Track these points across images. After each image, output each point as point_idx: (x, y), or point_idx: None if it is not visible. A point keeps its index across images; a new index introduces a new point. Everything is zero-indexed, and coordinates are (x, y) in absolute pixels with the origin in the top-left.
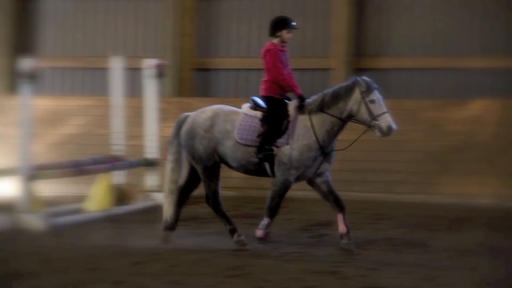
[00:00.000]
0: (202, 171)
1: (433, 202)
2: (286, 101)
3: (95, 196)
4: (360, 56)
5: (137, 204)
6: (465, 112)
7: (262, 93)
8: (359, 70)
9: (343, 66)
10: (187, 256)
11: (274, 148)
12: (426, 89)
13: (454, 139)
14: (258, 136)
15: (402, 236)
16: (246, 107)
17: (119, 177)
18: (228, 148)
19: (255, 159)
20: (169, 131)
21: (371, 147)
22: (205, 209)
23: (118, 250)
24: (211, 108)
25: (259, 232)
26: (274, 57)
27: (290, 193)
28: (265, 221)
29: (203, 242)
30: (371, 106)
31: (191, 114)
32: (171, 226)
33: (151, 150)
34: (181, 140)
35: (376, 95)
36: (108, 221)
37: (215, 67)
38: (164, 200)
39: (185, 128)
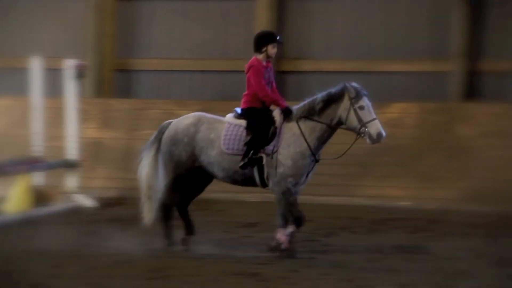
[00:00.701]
0: (172, 180)
1: (353, 204)
2: (269, 108)
3: (14, 197)
4: (281, 59)
5: (57, 206)
6: (385, 115)
7: (242, 105)
8: (280, 73)
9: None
10: (108, 258)
11: (262, 155)
12: None
13: None
14: (245, 144)
15: (322, 238)
16: (229, 116)
17: (38, 178)
18: (213, 158)
19: (240, 167)
20: (90, 132)
21: None
22: (128, 211)
23: (36, 252)
24: (193, 114)
25: (283, 238)
26: (257, 74)
27: (211, 195)
28: (291, 228)
29: (125, 244)
30: (360, 112)
31: (174, 120)
32: (191, 232)
33: (72, 151)
34: (163, 146)
35: (365, 101)
36: (27, 223)
37: (136, 68)
38: (144, 204)
39: (167, 134)
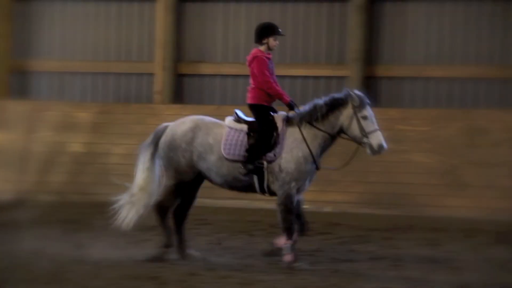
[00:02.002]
0: (174, 185)
1: (253, 208)
2: (272, 113)
3: None
4: (181, 62)
5: None
6: None
7: (249, 101)
8: (180, 76)
9: (164, 72)
10: (3, 262)
11: (264, 162)
12: (242, 96)
13: None
14: (247, 150)
15: (223, 241)
16: (229, 120)
17: None
18: (212, 163)
19: (242, 175)
20: None
21: None
22: (24, 214)
23: None
24: (191, 118)
25: (287, 257)
26: (261, 64)
27: (108, 198)
28: (287, 244)
29: (24, 247)
30: (363, 122)
31: (170, 124)
32: (171, 244)
33: None
34: (160, 151)
35: (368, 111)
36: None
37: (34, 69)
38: (124, 205)
39: (164, 139)
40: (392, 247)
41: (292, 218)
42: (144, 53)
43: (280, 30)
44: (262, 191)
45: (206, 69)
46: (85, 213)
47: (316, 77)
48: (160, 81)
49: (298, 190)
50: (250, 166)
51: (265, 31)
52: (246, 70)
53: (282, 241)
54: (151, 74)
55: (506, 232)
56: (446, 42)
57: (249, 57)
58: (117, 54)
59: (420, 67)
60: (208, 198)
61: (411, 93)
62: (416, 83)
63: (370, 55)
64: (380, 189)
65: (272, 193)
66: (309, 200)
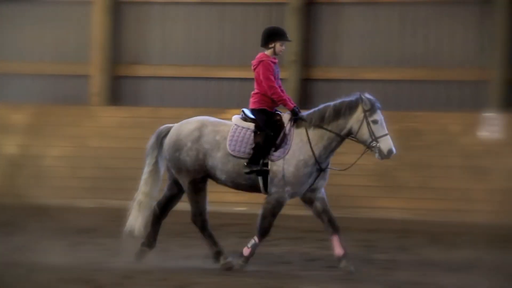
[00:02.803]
0: (189, 185)
1: (188, 210)
2: (279, 112)
3: None
4: (118, 64)
5: None
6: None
7: (252, 106)
8: (117, 78)
9: (101, 73)
10: None
11: (269, 162)
12: (181, 98)
13: None
14: (253, 148)
15: (160, 244)
16: (236, 118)
17: None
18: (218, 160)
19: (245, 173)
20: None
21: (130, 154)
22: None
23: None
24: (196, 119)
25: (246, 251)
26: (267, 69)
27: (44, 201)
28: (255, 240)
29: None
30: (373, 126)
31: (174, 125)
32: (150, 244)
33: None
34: (164, 153)
35: (379, 116)
36: None
37: None
38: (132, 211)
39: (168, 140)
40: (327, 248)
41: (271, 220)
42: (81, 55)
43: (288, 36)
44: (266, 191)
45: (143, 71)
46: (20, 215)
47: (253, 79)
48: (97, 83)
49: (292, 195)
50: (255, 168)
51: (273, 35)
52: (183, 72)
53: (247, 251)
54: (87, 76)
55: (440, 233)
56: (381, 44)
57: (254, 62)
58: (54, 55)
59: (356, 69)
60: None
61: (347, 95)
62: (352, 85)
63: (307, 57)
64: None
65: None
66: (248, 202)
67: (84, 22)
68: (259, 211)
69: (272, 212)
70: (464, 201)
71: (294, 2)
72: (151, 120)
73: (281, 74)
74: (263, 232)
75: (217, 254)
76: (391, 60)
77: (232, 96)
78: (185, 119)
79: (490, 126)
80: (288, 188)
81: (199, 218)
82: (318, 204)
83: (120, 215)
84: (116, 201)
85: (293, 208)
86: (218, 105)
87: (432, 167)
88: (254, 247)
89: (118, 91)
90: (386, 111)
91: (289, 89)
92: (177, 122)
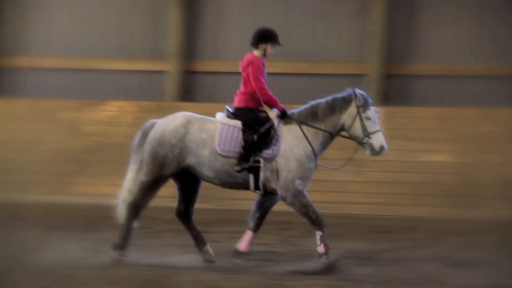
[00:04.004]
0: (150, 180)
1: (69, 203)
2: (263, 109)
3: None
4: None
5: None
6: (101, 113)
7: (237, 104)
8: None
9: None
10: None
11: (260, 159)
12: (63, 89)
13: (90, 140)
14: (243, 146)
15: (37, 238)
16: (221, 116)
17: None
18: (204, 158)
19: (236, 171)
20: None
21: (10, 147)
22: None
23: None
24: (182, 114)
25: (320, 248)
26: (258, 70)
27: None
28: (319, 235)
29: None
30: (366, 122)
31: (159, 120)
32: (200, 243)
33: None
34: (146, 146)
35: (372, 112)
36: None
37: None
38: (119, 208)
39: (153, 134)
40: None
41: (313, 209)
42: None
43: (279, 40)
44: (256, 189)
45: (23, 62)
46: None
47: (137, 71)
48: None
49: (305, 187)
50: (246, 165)
51: (265, 38)
52: (65, 64)
53: (321, 247)
54: None
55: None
56: None
57: (243, 63)
58: None
59: (237, 63)
60: (22, 193)
61: (228, 88)
62: (233, 78)
63: (190, 50)
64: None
65: (267, 192)
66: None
67: None
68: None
69: (304, 205)
70: (343, 193)
71: None
72: (30, 112)
73: (163, 67)
74: (318, 223)
75: (122, 247)
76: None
77: (112, 87)
78: (65, 111)
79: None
80: (298, 181)
81: (134, 208)
82: (267, 202)
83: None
84: None
85: (172, 201)
86: (101, 96)
87: None
88: (323, 239)
89: None
90: None
91: (170, 82)
92: (57, 113)
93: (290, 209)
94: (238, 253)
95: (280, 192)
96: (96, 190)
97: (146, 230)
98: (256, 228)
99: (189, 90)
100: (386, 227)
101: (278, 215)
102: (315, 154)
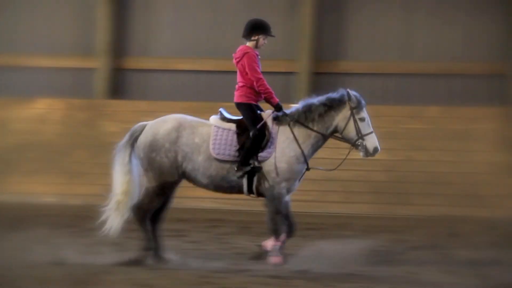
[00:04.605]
0: (156, 187)
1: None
2: (259, 111)
3: None
4: None
5: None
6: (29, 110)
7: (237, 99)
8: None
9: None
10: None
11: (255, 162)
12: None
13: (19, 138)
14: (238, 150)
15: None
16: (215, 119)
17: None
18: (199, 164)
19: (232, 176)
20: None
21: None
22: None
23: None
24: (173, 117)
25: (275, 259)
26: (253, 61)
27: None
28: (276, 245)
29: None
30: (360, 124)
31: (149, 123)
32: (152, 247)
33: None
34: (138, 152)
35: (365, 113)
36: None
37: None
38: (110, 212)
39: (144, 139)
40: (140, 238)
41: (280, 219)
42: None
43: (272, 31)
44: (250, 192)
45: None
46: None
47: (66, 69)
48: None
49: (288, 191)
50: (246, 169)
51: (258, 29)
52: (25, 62)
53: (270, 243)
54: None
55: (249, 222)
56: (192, 35)
57: (236, 54)
58: None
59: (167, 60)
60: None
61: (159, 85)
62: (164, 75)
63: (119, 47)
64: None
65: (259, 194)
66: (57, 193)
67: None
68: (70, 201)
69: (277, 211)
70: None
71: None
72: None
73: (92, 64)
74: (276, 233)
75: (147, 249)
76: (202, 51)
77: (39, 85)
78: None
79: None
80: (284, 184)
81: (142, 213)
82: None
83: None
84: None
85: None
86: (29, 94)
87: None
88: (278, 249)
89: None
90: (199, 101)
91: (100, 79)
92: None
93: (221, 206)
94: (265, 254)
95: (265, 191)
96: (24, 188)
97: (72, 229)
98: (290, 230)
99: (119, 87)
100: (318, 224)
101: (209, 213)
102: (305, 156)
